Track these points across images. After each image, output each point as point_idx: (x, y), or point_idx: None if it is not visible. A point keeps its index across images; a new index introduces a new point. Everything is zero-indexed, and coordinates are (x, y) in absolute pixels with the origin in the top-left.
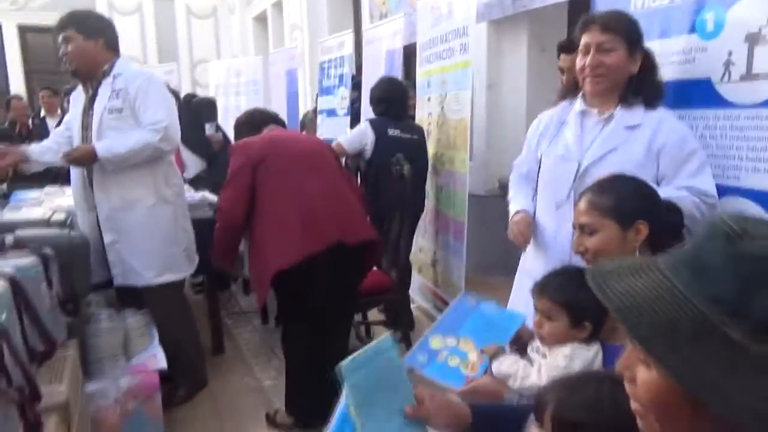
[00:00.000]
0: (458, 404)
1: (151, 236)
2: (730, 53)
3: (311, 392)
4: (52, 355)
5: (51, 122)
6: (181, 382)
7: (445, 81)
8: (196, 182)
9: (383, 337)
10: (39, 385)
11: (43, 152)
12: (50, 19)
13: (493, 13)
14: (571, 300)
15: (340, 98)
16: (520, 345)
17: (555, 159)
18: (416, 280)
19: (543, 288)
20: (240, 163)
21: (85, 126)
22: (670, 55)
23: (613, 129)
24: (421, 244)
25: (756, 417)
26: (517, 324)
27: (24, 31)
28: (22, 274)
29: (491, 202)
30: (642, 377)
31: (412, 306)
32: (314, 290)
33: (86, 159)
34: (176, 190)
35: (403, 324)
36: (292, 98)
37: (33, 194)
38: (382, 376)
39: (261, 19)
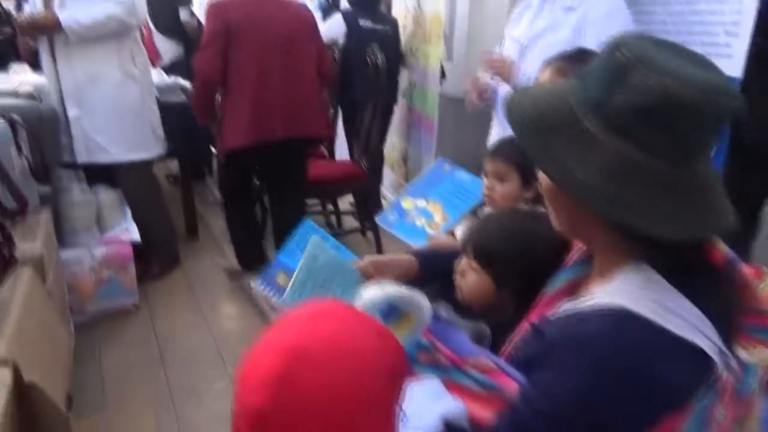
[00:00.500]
0: (401, 257)
1: (117, 113)
2: None
3: (248, 247)
4: (24, 214)
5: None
6: (154, 260)
7: None
8: (171, 70)
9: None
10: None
11: None
12: None
13: None
14: (522, 160)
15: None
16: None
17: (509, 39)
18: (388, 176)
19: (496, 151)
20: (214, 28)
21: (46, 1)
22: None
23: (551, 9)
24: (393, 142)
25: (595, 193)
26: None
27: None
28: None
29: (460, 102)
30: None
31: (382, 201)
32: (258, 175)
33: (49, 27)
34: (142, 69)
35: (371, 213)
36: None
37: None
38: (332, 268)
39: None
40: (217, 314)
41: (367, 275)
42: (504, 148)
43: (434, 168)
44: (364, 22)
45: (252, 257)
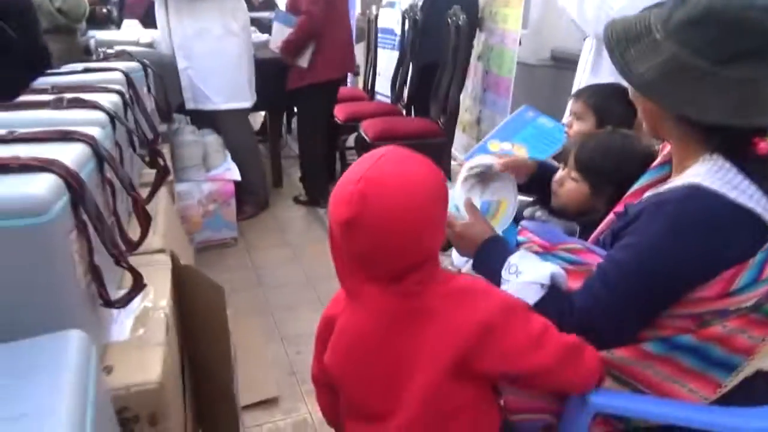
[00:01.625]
0: (528, 162)
1: (219, 64)
2: None
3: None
4: (157, 143)
5: None
6: (248, 201)
7: None
8: None
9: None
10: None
11: None
12: None
13: None
14: (599, 103)
15: None
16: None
17: None
18: (460, 138)
19: (578, 94)
20: None
21: None
22: None
23: None
24: (467, 104)
25: (647, 85)
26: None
27: None
28: (132, 73)
29: (541, 72)
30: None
31: (453, 162)
32: (328, 107)
33: None
34: (242, 24)
35: (445, 171)
36: None
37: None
38: None
39: None
40: (303, 251)
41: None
42: (585, 92)
43: (519, 114)
44: None
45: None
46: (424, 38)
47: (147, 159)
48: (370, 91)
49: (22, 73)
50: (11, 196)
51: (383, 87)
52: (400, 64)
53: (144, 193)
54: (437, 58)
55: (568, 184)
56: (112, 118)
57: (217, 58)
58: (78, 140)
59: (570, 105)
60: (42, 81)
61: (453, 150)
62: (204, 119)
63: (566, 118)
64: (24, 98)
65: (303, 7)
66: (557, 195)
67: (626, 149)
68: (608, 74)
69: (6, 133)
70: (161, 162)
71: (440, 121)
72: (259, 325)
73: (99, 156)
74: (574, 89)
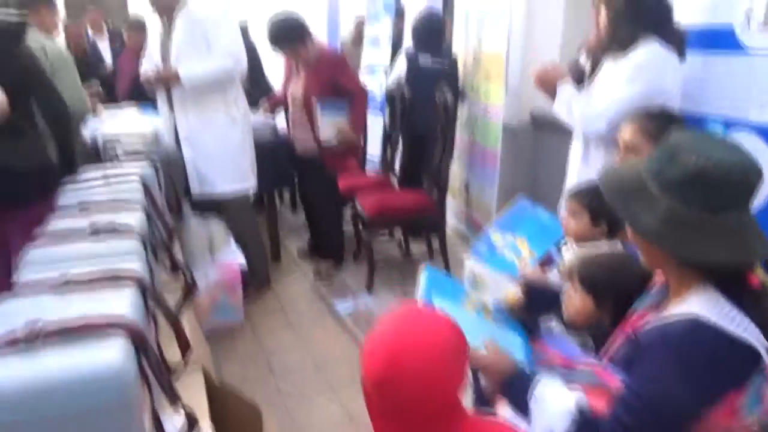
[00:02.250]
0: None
1: (223, 152)
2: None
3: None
4: (173, 245)
5: (101, 44)
6: (251, 281)
7: (484, 13)
8: None
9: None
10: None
11: None
12: None
13: None
14: (592, 204)
15: (385, 27)
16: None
17: None
18: (449, 203)
19: (572, 193)
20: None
21: (165, 55)
22: (697, 1)
23: None
24: (454, 171)
25: (656, 235)
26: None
27: None
28: (146, 177)
29: (523, 134)
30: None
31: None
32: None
33: (171, 80)
34: (243, 111)
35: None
36: (333, 24)
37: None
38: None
39: None
40: (310, 333)
41: None
42: (579, 192)
43: (517, 206)
44: (424, 60)
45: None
46: (411, 112)
47: (166, 263)
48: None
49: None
50: (88, 375)
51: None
52: (389, 135)
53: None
54: (425, 131)
55: (574, 298)
56: (145, 242)
57: (222, 145)
58: (126, 280)
59: (565, 203)
60: (69, 194)
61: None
62: (207, 205)
63: (562, 213)
64: (60, 224)
65: (350, 87)
66: (566, 310)
67: (625, 268)
68: (595, 171)
69: (59, 277)
70: (186, 277)
71: (433, 195)
72: (272, 416)
73: (145, 293)
74: (566, 187)
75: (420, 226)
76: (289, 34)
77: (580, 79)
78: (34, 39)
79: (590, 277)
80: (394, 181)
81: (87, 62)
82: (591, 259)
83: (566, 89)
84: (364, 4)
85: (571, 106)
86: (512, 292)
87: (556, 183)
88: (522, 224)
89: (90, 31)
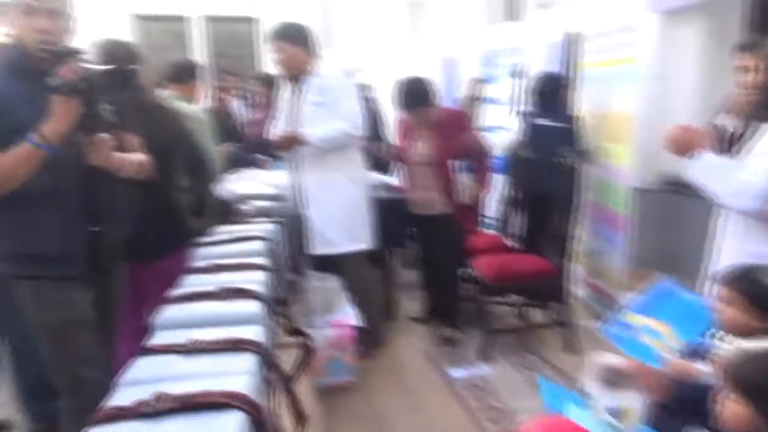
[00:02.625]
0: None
1: (343, 211)
2: None
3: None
4: (287, 304)
5: (235, 102)
6: (364, 341)
7: (610, 74)
8: None
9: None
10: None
11: None
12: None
13: (664, 4)
14: (751, 291)
15: (504, 87)
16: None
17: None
18: (571, 269)
19: (727, 278)
20: None
21: (292, 118)
22: None
23: None
24: (578, 235)
25: None
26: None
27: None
28: (272, 237)
29: (653, 197)
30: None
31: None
32: None
33: (298, 142)
34: (362, 171)
35: (558, 307)
36: (450, 84)
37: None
38: None
39: (415, 5)
40: (425, 399)
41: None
42: (737, 277)
43: (658, 286)
44: (544, 120)
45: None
46: (532, 173)
47: (286, 324)
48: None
49: (186, 231)
50: None
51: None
52: (509, 196)
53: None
54: (547, 192)
55: (729, 405)
56: (266, 304)
57: (342, 204)
58: (247, 346)
59: (716, 287)
60: (201, 251)
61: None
62: (325, 263)
63: (712, 301)
64: (191, 282)
65: (477, 146)
66: (719, 416)
67: None
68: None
69: (187, 342)
70: (305, 340)
71: (555, 260)
72: None
73: (264, 359)
74: (711, 263)
75: (541, 292)
76: (421, 96)
77: (722, 145)
78: (181, 107)
79: (751, 379)
80: (514, 244)
81: (227, 124)
82: (752, 357)
83: (708, 157)
84: (480, 65)
85: (714, 176)
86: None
87: (693, 252)
88: (664, 308)
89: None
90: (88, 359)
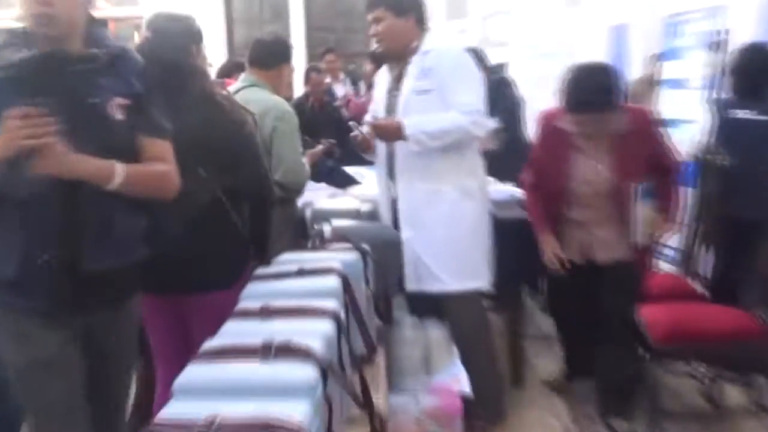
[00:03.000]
0: None
1: (452, 235)
2: None
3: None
4: (372, 361)
5: (337, 89)
6: (477, 412)
7: None
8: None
9: None
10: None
11: None
12: None
13: None
14: None
15: (695, 65)
16: None
17: None
18: None
19: None
20: None
21: (390, 108)
22: None
23: None
24: None
25: None
26: None
27: None
28: (349, 270)
29: None
30: None
31: None
32: None
33: (392, 133)
34: (480, 183)
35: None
36: (618, 62)
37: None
38: None
39: None
40: None
41: None
42: None
43: None
44: (745, 113)
45: None
46: (731, 187)
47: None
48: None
49: (243, 260)
50: None
51: None
52: (698, 219)
53: None
54: (754, 217)
55: None
56: (325, 369)
57: (451, 226)
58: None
59: None
60: (255, 286)
61: None
62: (426, 304)
63: None
64: (233, 329)
65: (668, 161)
66: None
67: None
68: None
69: (205, 422)
70: (375, 420)
71: (760, 314)
72: None
73: None
74: None
75: (739, 362)
76: (602, 94)
77: None
78: (259, 99)
79: None
80: (700, 288)
81: (325, 114)
82: None
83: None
84: (660, 35)
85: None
86: None
87: None
88: None
89: (328, 78)
90: (56, 417)
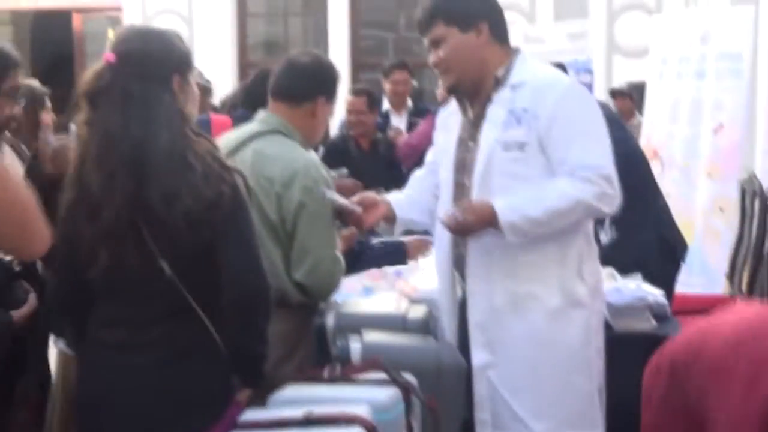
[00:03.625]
0: None
1: (549, 362)
2: None
3: None
4: None
5: (397, 121)
6: None
7: None
8: None
9: None
10: None
11: (409, 206)
12: None
13: None
14: None
15: None
16: None
17: None
18: None
19: None
20: None
21: (461, 166)
22: None
23: None
24: None
25: None
26: None
27: None
28: (380, 417)
29: None
30: None
31: None
32: None
33: (481, 224)
34: (594, 284)
35: None
36: None
37: None
38: None
39: None
40: None
41: None
42: None
43: None
44: None
45: None
46: None
47: None
48: None
49: (222, 395)
50: None
51: None
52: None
53: None
54: None
55: None
56: None
57: (548, 349)
58: None
59: None
60: None
61: None
62: None
63: None
64: None
65: None
66: None
67: None
68: None
69: None
70: None
71: None
72: None
73: None
74: None
75: None
76: None
77: None
78: (281, 156)
79: None
80: None
81: (377, 156)
82: None
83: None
84: None
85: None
86: None
87: None
88: None
89: (386, 104)
90: None
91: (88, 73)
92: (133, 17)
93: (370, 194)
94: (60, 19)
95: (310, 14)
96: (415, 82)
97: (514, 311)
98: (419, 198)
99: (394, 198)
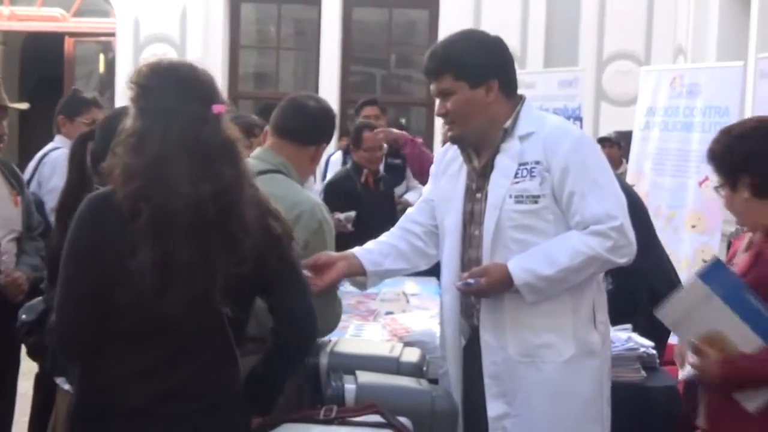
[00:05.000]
0: None
1: (565, 412)
2: None
3: None
4: None
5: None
6: None
7: None
8: None
9: None
10: None
11: (382, 256)
12: None
13: None
14: None
15: None
16: None
17: None
18: None
19: None
20: None
21: (470, 217)
22: None
23: None
24: None
25: None
26: None
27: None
28: None
29: None
30: None
31: None
32: None
33: (497, 289)
34: (605, 332)
35: None
36: None
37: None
38: None
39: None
40: None
41: None
42: None
43: None
44: None
45: None
46: None
47: None
48: None
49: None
50: None
51: None
52: None
53: None
54: None
55: None
56: None
57: (562, 400)
58: None
59: None
60: None
61: None
62: None
63: None
64: None
65: None
66: None
67: None
68: None
69: None
70: None
71: None
72: None
73: None
74: None
75: None
76: None
77: None
78: (285, 195)
79: None
80: None
81: (379, 195)
82: None
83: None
84: None
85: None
86: None
87: None
88: None
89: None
90: None
91: None
92: (125, 44)
93: (325, 254)
94: (51, 42)
95: (301, 48)
96: (402, 120)
97: (530, 362)
98: (398, 242)
99: (365, 251)
